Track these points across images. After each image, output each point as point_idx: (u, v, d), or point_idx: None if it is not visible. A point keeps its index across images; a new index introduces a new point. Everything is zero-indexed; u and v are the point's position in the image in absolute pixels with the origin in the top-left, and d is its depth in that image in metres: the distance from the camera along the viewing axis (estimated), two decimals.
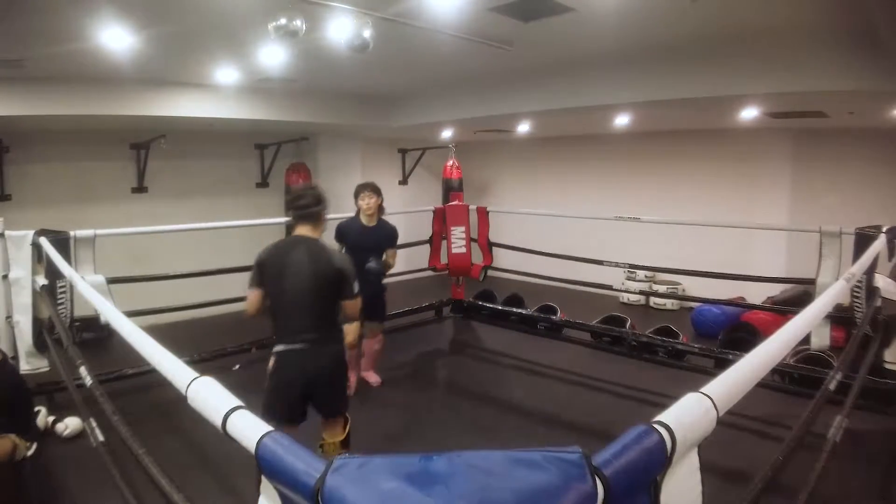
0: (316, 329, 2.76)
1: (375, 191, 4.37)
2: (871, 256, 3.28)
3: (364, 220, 4.36)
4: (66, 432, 3.76)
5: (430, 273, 7.10)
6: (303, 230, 2.87)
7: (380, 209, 4.38)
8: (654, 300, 7.53)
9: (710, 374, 1.39)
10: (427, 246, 6.79)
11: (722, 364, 4.16)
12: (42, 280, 3.99)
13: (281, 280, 2.74)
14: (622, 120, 6.25)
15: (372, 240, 4.31)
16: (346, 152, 8.23)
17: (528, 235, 6.81)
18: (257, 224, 6.05)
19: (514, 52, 4.32)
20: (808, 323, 1.94)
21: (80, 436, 3.62)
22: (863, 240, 3.92)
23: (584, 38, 4.17)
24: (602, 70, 4.96)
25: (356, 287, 2.81)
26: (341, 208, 7.92)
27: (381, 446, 3.61)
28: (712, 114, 5.83)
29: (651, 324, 5.70)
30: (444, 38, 3.92)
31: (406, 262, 7.66)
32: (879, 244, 3.55)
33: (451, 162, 7.82)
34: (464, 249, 6.49)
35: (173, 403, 3.16)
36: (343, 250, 4.09)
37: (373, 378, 4.77)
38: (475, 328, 6.66)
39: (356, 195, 4.40)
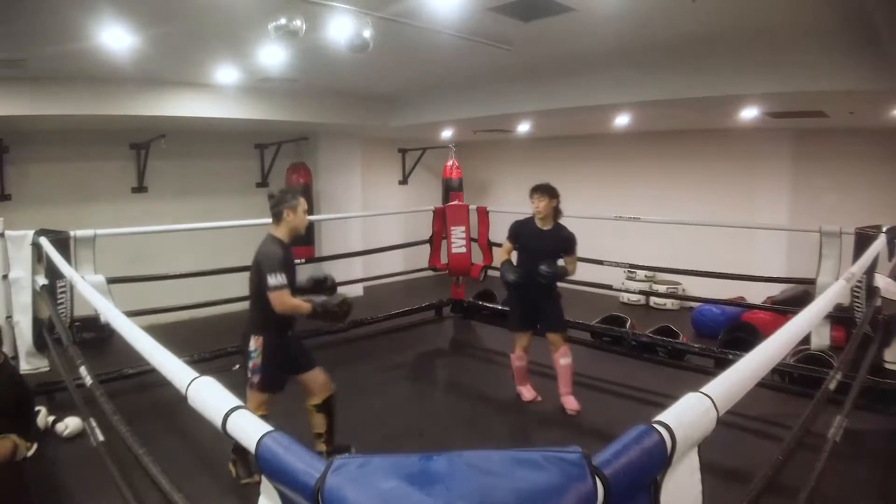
0: (249, 311, 3.11)
1: (547, 192, 4.08)
2: (871, 256, 3.28)
3: (538, 222, 4.14)
4: (66, 432, 3.76)
5: (430, 273, 7.11)
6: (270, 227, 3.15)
7: (556, 212, 4.13)
8: (654, 300, 7.53)
9: (711, 373, 1.39)
10: (427, 246, 6.79)
11: (722, 364, 4.16)
12: (42, 280, 4.00)
13: None
14: (622, 120, 6.25)
15: (545, 244, 4.09)
16: (346, 152, 8.23)
17: None
18: (257, 224, 6.02)
19: (514, 52, 4.32)
20: (808, 323, 1.95)
21: (80, 436, 3.62)
22: (863, 240, 3.92)
23: (584, 37, 4.16)
24: (602, 70, 4.96)
25: (273, 279, 2.89)
26: (341, 208, 8.01)
27: (381, 446, 3.61)
28: (712, 114, 5.83)
29: (651, 324, 5.70)
30: (444, 38, 3.92)
31: (406, 262, 7.70)
32: (879, 244, 3.55)
33: (451, 162, 7.83)
34: (464, 249, 6.50)
35: (173, 403, 3.17)
36: (516, 250, 4.21)
37: (571, 404, 4.20)
38: (475, 328, 6.66)
39: (529, 196, 4.16)
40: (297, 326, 3.30)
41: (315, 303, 3.01)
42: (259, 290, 3.00)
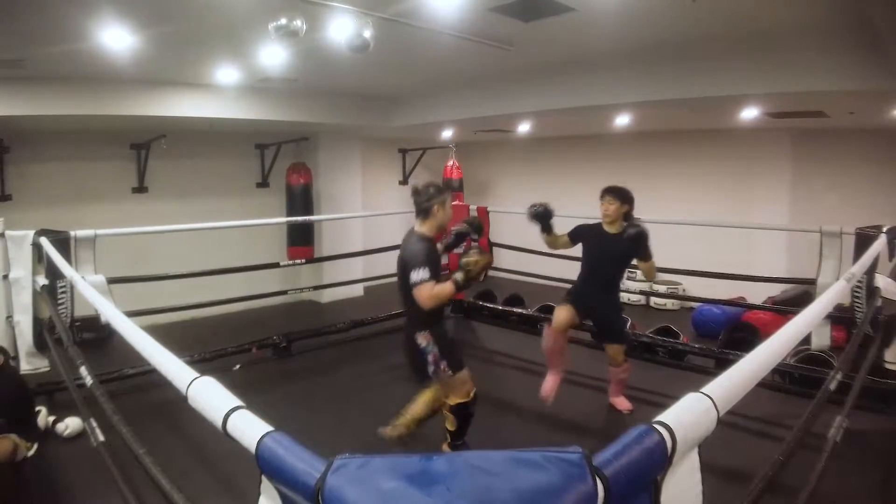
0: (405, 313, 3.18)
1: (618, 195, 3.87)
2: (871, 256, 3.28)
3: (605, 226, 3.97)
4: (66, 432, 3.76)
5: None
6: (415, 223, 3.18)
7: (627, 217, 3.91)
8: (654, 300, 7.53)
9: (711, 374, 1.39)
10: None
11: (722, 364, 4.15)
12: (42, 280, 4.00)
13: None
14: (622, 120, 6.25)
15: (614, 249, 3.90)
16: (347, 152, 8.23)
17: (528, 235, 6.79)
18: (257, 224, 6.05)
19: (514, 52, 4.32)
20: (808, 323, 1.95)
21: (80, 436, 3.62)
22: (863, 240, 3.92)
23: (584, 37, 4.16)
24: (602, 70, 4.96)
25: (416, 275, 2.89)
26: (341, 208, 8.00)
27: (381, 446, 3.60)
28: (712, 114, 5.83)
29: (651, 324, 5.70)
30: (445, 38, 3.91)
31: None
32: (880, 244, 3.55)
33: (451, 162, 7.84)
34: (464, 249, 6.48)
35: (173, 403, 3.16)
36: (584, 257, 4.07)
37: (623, 405, 4.25)
38: (475, 328, 6.65)
39: (600, 198, 3.98)
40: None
41: (454, 278, 3.02)
42: (407, 289, 2.99)
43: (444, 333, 3.21)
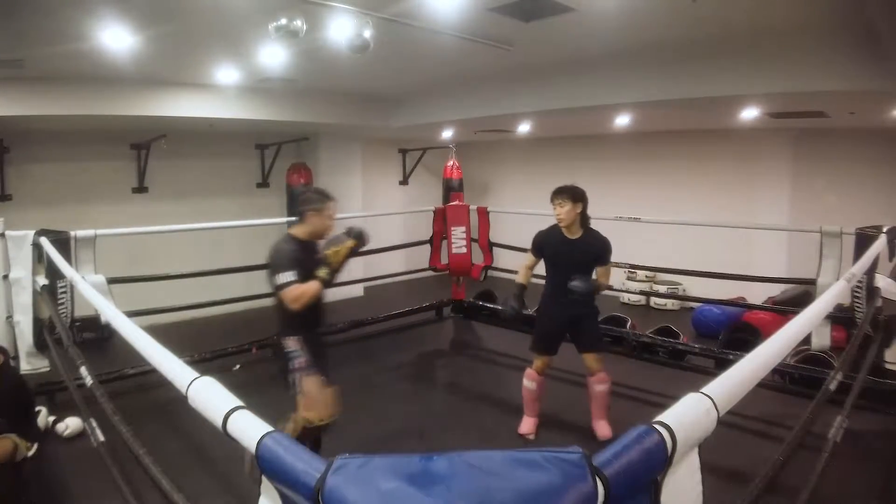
0: (280, 323, 3.03)
1: (570, 196, 3.58)
2: (871, 256, 3.28)
3: (563, 230, 3.67)
4: (66, 432, 3.76)
5: (430, 273, 7.11)
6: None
7: (582, 218, 3.64)
8: (654, 300, 7.53)
9: (711, 374, 1.39)
10: (427, 246, 6.79)
11: (722, 364, 4.16)
12: (42, 280, 4.00)
13: None
14: (622, 120, 6.25)
15: (574, 255, 3.64)
16: (347, 152, 8.23)
17: (528, 235, 6.78)
18: (257, 224, 6.04)
19: (514, 52, 4.32)
20: (808, 323, 1.94)
21: (80, 436, 3.62)
22: (863, 240, 3.92)
23: (584, 38, 4.16)
24: (602, 70, 4.96)
25: (280, 278, 2.86)
26: (341, 208, 7.93)
27: (381, 446, 3.61)
28: (712, 114, 5.83)
29: (652, 324, 5.70)
30: (445, 38, 3.92)
31: (406, 263, 7.69)
32: (880, 244, 3.55)
33: (451, 162, 7.84)
34: (464, 249, 6.49)
35: (173, 403, 3.17)
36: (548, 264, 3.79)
37: (603, 430, 3.78)
38: (475, 328, 6.66)
39: (550, 200, 3.70)
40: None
41: (318, 274, 2.96)
42: (276, 293, 2.96)
43: (317, 341, 3.11)
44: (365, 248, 3.18)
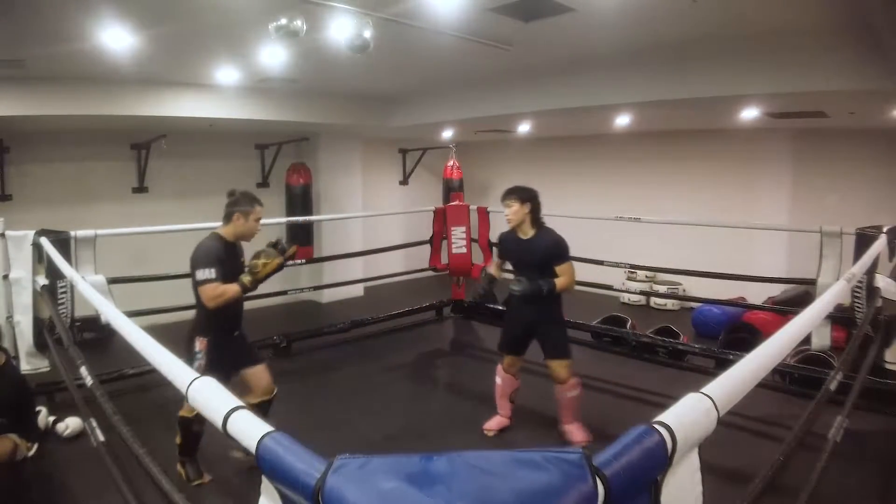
0: (193, 321, 3.18)
1: (518, 196, 3.56)
2: (871, 257, 3.28)
3: (517, 231, 3.65)
4: (66, 432, 3.76)
5: (430, 273, 7.11)
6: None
7: (533, 218, 3.59)
8: (654, 300, 7.53)
9: (711, 374, 1.39)
10: (427, 246, 6.79)
11: (722, 364, 4.16)
12: (43, 280, 4.00)
13: None
14: (622, 120, 6.25)
15: (526, 255, 3.60)
16: (347, 152, 8.24)
17: None
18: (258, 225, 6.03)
19: (514, 52, 4.32)
20: (808, 323, 1.94)
21: (80, 436, 3.62)
22: (863, 240, 3.92)
23: (584, 38, 4.16)
24: (602, 70, 4.96)
25: (200, 274, 2.94)
26: (341, 208, 8.01)
27: (381, 446, 3.61)
28: (713, 114, 5.83)
29: (652, 324, 5.70)
30: (445, 39, 3.92)
31: (406, 263, 7.70)
32: (880, 244, 3.55)
33: (451, 162, 7.84)
34: (464, 250, 6.50)
35: (174, 403, 3.17)
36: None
37: (578, 435, 3.70)
38: (475, 328, 6.66)
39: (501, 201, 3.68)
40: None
41: (240, 279, 3.02)
42: (195, 290, 3.03)
43: (221, 345, 3.12)
44: (294, 262, 3.22)
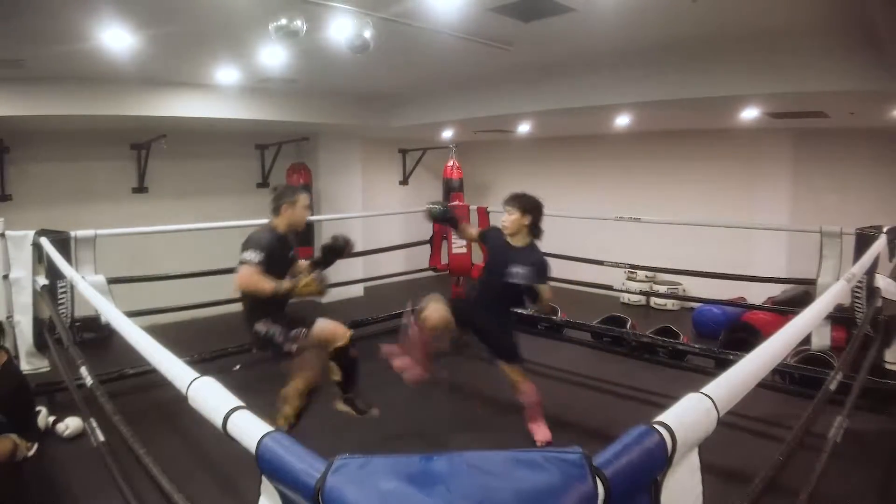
0: (245, 314, 3.27)
1: (520, 205, 3.41)
2: (871, 257, 3.28)
3: (508, 237, 3.50)
4: (66, 432, 3.76)
5: (430, 273, 7.11)
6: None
7: (531, 230, 3.44)
8: (654, 300, 7.53)
9: (711, 374, 1.39)
10: (427, 246, 6.79)
11: (722, 364, 4.15)
12: (43, 280, 4.00)
13: None
14: (622, 120, 6.25)
15: (507, 263, 3.39)
16: (347, 152, 8.23)
17: None
18: (258, 224, 6.02)
19: (514, 52, 4.32)
20: (808, 323, 1.94)
21: (80, 436, 3.62)
22: (863, 240, 3.92)
23: (584, 38, 4.16)
24: (602, 70, 4.96)
25: (245, 254, 2.99)
26: (341, 208, 8.00)
27: (381, 446, 3.61)
28: (713, 114, 5.83)
29: (652, 324, 5.70)
30: (445, 39, 3.92)
31: (407, 263, 7.69)
32: (880, 244, 3.55)
33: (451, 162, 7.83)
34: (464, 250, 6.49)
35: (173, 403, 3.17)
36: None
37: (541, 433, 3.65)
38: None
39: (503, 205, 3.56)
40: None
41: (280, 283, 3.03)
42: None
43: (280, 312, 3.24)
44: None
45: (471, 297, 3.82)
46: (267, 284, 2.97)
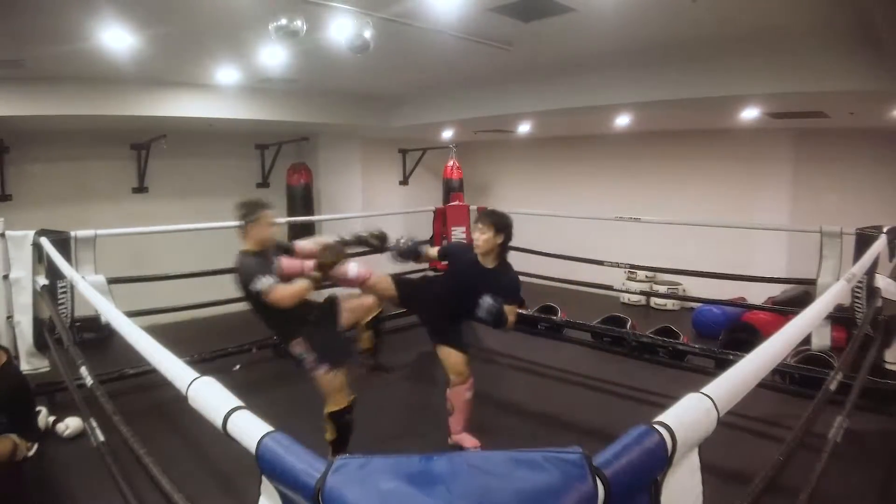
0: (271, 330, 3.38)
1: (495, 223, 3.25)
2: (871, 257, 3.28)
3: (479, 256, 3.34)
4: (66, 432, 3.76)
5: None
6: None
7: (501, 250, 3.31)
8: (654, 300, 7.53)
9: (711, 374, 1.39)
10: (427, 247, 6.78)
11: (722, 364, 4.15)
12: (43, 280, 4.00)
13: None
14: (622, 120, 6.25)
15: (485, 285, 3.21)
16: (347, 152, 8.23)
17: (528, 235, 6.77)
18: None
19: (514, 52, 4.32)
20: (808, 323, 1.94)
21: (80, 436, 3.62)
22: (863, 240, 3.92)
23: (584, 38, 4.16)
24: (602, 70, 4.97)
25: (259, 284, 2.93)
26: (341, 208, 8.00)
27: (381, 446, 3.60)
28: (713, 114, 5.83)
29: (652, 324, 5.69)
30: (445, 39, 3.92)
31: (407, 263, 7.68)
32: (880, 244, 3.55)
33: (451, 162, 7.84)
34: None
35: (173, 403, 3.17)
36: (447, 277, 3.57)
37: (468, 441, 3.56)
38: (475, 328, 6.64)
39: (475, 222, 3.44)
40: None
41: (311, 277, 3.08)
42: (259, 304, 3.05)
43: (317, 332, 3.20)
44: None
45: (425, 288, 3.74)
46: (302, 284, 3.03)
